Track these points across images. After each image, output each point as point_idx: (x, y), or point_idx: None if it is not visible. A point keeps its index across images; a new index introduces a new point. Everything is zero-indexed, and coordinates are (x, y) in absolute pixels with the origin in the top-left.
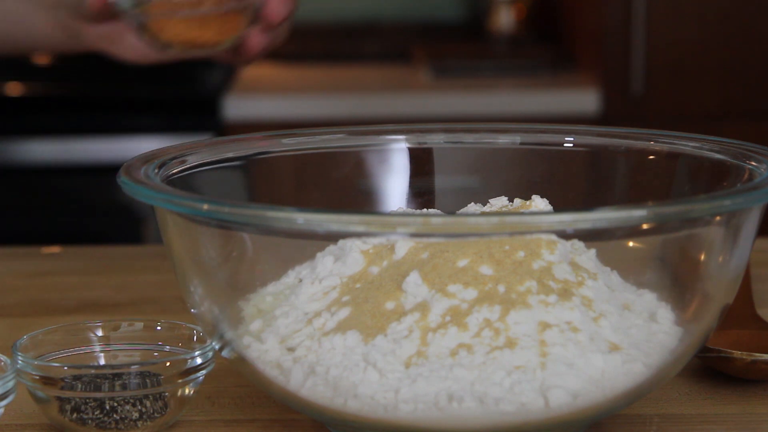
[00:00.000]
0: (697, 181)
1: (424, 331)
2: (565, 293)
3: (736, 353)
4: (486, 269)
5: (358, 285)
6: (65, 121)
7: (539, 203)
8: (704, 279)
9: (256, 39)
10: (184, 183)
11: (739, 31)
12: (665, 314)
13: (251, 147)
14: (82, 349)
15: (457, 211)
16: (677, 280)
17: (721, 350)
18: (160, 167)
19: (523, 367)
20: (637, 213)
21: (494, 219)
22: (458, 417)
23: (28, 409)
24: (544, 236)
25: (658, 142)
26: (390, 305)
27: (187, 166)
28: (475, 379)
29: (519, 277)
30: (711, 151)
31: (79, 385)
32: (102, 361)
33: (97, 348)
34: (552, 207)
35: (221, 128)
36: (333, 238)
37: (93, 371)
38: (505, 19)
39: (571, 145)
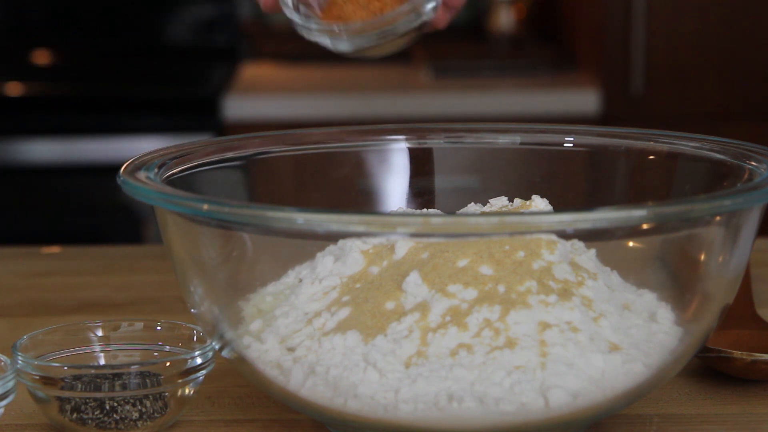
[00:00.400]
0: (697, 181)
1: (424, 331)
2: (565, 293)
3: (736, 353)
4: (486, 269)
5: (358, 285)
6: (65, 121)
7: (539, 203)
8: (704, 279)
9: (441, 16)
10: (184, 183)
11: (739, 31)
12: (665, 314)
13: (251, 147)
14: (82, 349)
15: (457, 211)
16: (677, 280)
17: (721, 350)
18: (160, 167)
19: (523, 367)
20: (637, 213)
21: (494, 219)
22: (458, 417)
23: (28, 409)
24: (544, 236)
25: (658, 142)
26: (390, 305)
27: (187, 166)
28: (475, 379)
29: (519, 277)
30: (711, 151)
31: (79, 385)
32: (102, 361)
33: (97, 348)
34: (552, 207)
35: (221, 128)
36: (333, 238)
37: (93, 371)
38: (505, 19)
39: (571, 145)
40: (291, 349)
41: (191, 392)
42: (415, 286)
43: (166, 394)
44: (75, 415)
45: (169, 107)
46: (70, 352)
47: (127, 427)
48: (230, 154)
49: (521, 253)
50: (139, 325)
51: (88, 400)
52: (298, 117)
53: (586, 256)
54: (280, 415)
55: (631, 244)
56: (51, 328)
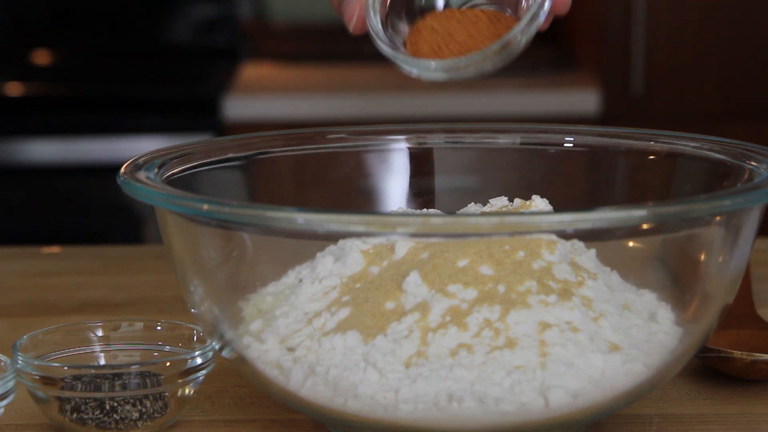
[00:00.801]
0: (697, 181)
1: (424, 331)
2: (565, 293)
3: (736, 353)
4: (486, 269)
5: (358, 285)
6: (65, 121)
7: (539, 203)
8: (704, 279)
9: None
10: (184, 183)
11: (739, 31)
12: (665, 314)
13: (251, 147)
14: (82, 349)
15: (457, 211)
16: (677, 280)
17: (721, 350)
18: (160, 167)
19: (523, 367)
20: (637, 213)
21: (494, 219)
22: (458, 417)
23: (28, 409)
24: (544, 236)
25: (658, 142)
26: (390, 305)
27: (187, 166)
28: (475, 379)
29: (519, 277)
30: (711, 151)
31: (79, 385)
32: (102, 361)
33: (97, 348)
34: (552, 207)
35: (221, 128)
36: (333, 238)
37: (93, 371)
38: None
39: (571, 145)
40: (291, 349)
41: (191, 392)
42: (415, 286)
43: (166, 394)
44: (75, 415)
45: (169, 107)
46: (70, 352)
47: (127, 427)
48: (230, 154)
49: (521, 253)
50: (139, 325)
51: (88, 400)
52: (298, 117)
53: (586, 256)
54: (280, 415)
55: (631, 244)
56: (51, 328)
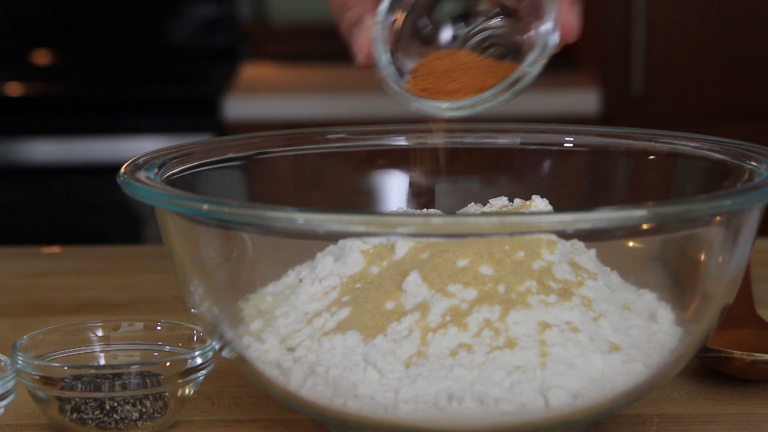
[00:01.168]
0: (697, 181)
1: (424, 331)
2: (565, 293)
3: (736, 353)
4: (486, 269)
5: (358, 285)
6: (65, 121)
7: (539, 203)
8: (704, 279)
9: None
10: (184, 183)
11: (739, 31)
12: (665, 314)
13: (251, 147)
14: (82, 349)
15: (457, 211)
16: (677, 280)
17: (721, 350)
18: (160, 167)
19: (523, 367)
20: (637, 213)
21: (494, 219)
22: (458, 417)
23: (28, 409)
24: (544, 236)
25: (658, 142)
26: (390, 305)
27: (187, 166)
28: (475, 379)
29: (519, 277)
30: (711, 151)
31: (79, 385)
32: (102, 361)
33: (97, 348)
34: (552, 207)
35: (221, 128)
36: (333, 238)
37: (93, 371)
38: None
39: (571, 145)
40: (291, 349)
41: (191, 392)
42: (415, 286)
43: (166, 394)
44: (75, 415)
45: (169, 107)
46: (70, 352)
47: (127, 427)
48: (230, 154)
49: (521, 253)
50: (139, 325)
51: (88, 400)
52: (298, 117)
53: (586, 256)
54: (280, 415)
55: (631, 244)
56: (51, 328)
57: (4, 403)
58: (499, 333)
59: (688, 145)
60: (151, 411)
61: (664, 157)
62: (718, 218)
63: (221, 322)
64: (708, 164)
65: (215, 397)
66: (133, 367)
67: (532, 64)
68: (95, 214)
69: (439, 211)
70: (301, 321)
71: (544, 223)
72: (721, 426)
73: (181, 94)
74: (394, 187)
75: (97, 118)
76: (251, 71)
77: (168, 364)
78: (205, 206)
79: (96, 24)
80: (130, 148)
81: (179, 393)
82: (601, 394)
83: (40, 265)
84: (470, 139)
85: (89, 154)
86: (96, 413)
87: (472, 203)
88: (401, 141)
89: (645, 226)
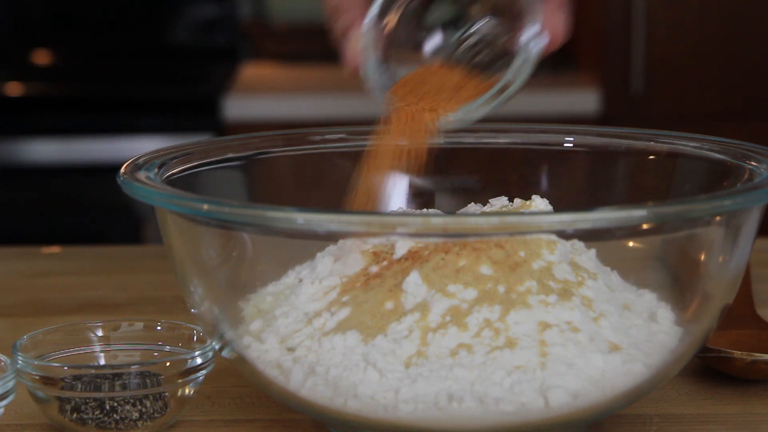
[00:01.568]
0: (697, 181)
1: (424, 331)
2: (565, 293)
3: (736, 353)
4: (486, 269)
5: (358, 285)
6: (65, 121)
7: (539, 203)
8: (704, 279)
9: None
10: (184, 183)
11: (739, 31)
12: (665, 314)
13: (251, 147)
14: (82, 349)
15: (457, 211)
16: (677, 280)
17: (721, 350)
18: (160, 167)
19: (523, 367)
20: (637, 213)
21: (494, 219)
22: (458, 417)
23: (28, 409)
24: (544, 236)
25: (658, 142)
26: (390, 305)
27: (187, 166)
28: (475, 379)
29: (519, 277)
30: (711, 151)
31: (79, 385)
32: (102, 361)
33: (97, 348)
34: (552, 207)
35: (221, 128)
36: (333, 238)
37: (93, 371)
38: None
39: (571, 145)
40: (291, 349)
41: (191, 392)
42: (415, 286)
43: (166, 394)
44: (75, 415)
45: (169, 107)
46: (70, 352)
47: (127, 427)
48: (230, 154)
49: (521, 253)
50: (139, 325)
51: (88, 400)
52: (298, 117)
53: (586, 256)
54: (280, 415)
55: (631, 244)
56: (51, 328)
57: (4, 403)
58: (499, 333)
59: (688, 145)
60: (151, 411)
61: (664, 157)
62: (718, 218)
63: (221, 322)
64: (708, 164)
65: (215, 397)
66: (133, 367)
67: (517, 73)
68: (95, 214)
69: (439, 211)
70: (301, 321)
71: (544, 223)
72: (721, 426)
73: (181, 94)
74: (394, 187)
75: (97, 118)
76: (251, 71)
77: (168, 364)
78: (205, 206)
79: (96, 24)
80: (130, 148)
81: (179, 393)
82: (601, 394)
83: (40, 265)
84: (470, 139)
85: (89, 154)
86: (96, 413)
87: (472, 203)
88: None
89: (645, 226)
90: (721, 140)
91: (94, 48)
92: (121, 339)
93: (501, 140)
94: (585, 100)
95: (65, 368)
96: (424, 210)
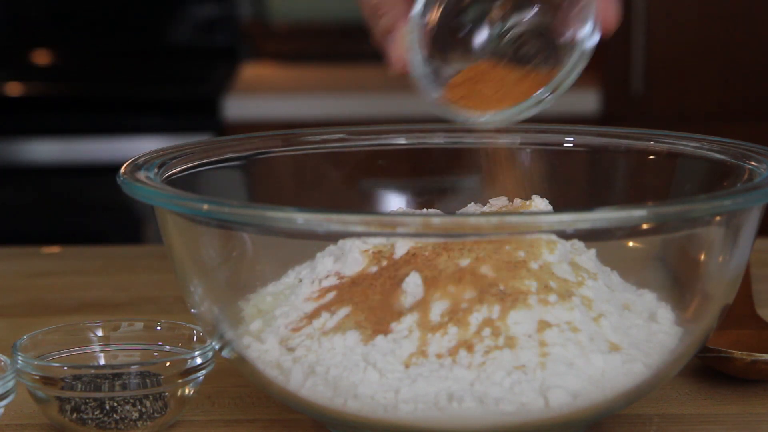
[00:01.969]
0: (697, 181)
1: (423, 331)
2: (565, 293)
3: (736, 353)
4: (486, 269)
5: (358, 285)
6: (65, 121)
7: (539, 203)
8: (704, 279)
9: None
10: (184, 183)
11: (739, 31)
12: (665, 314)
13: (251, 147)
14: (82, 349)
15: (457, 211)
16: (677, 280)
17: (721, 350)
18: (160, 167)
19: (523, 367)
20: (637, 213)
21: (494, 219)
22: (458, 417)
23: (28, 409)
24: (544, 236)
25: (658, 142)
26: (390, 305)
27: (187, 166)
28: (475, 379)
29: (519, 277)
30: (711, 151)
31: (79, 385)
32: (102, 361)
33: (97, 348)
34: (552, 207)
35: (221, 128)
36: (333, 238)
37: (93, 371)
38: None
39: (571, 145)
40: (291, 349)
41: (191, 392)
42: (415, 286)
43: (166, 394)
44: (75, 415)
45: (169, 107)
46: (70, 352)
47: (127, 427)
48: (230, 154)
49: (521, 253)
50: (139, 325)
51: (88, 400)
52: (298, 117)
53: (586, 256)
54: (280, 415)
55: (631, 244)
56: (51, 328)
57: (4, 403)
58: (499, 333)
59: (688, 145)
60: (151, 411)
61: (664, 157)
62: (718, 218)
63: (221, 322)
64: (708, 164)
65: (215, 397)
66: (133, 367)
67: (572, 70)
68: (95, 214)
69: (439, 211)
70: (301, 321)
71: (544, 223)
72: (721, 426)
73: (181, 94)
74: (394, 187)
75: (97, 118)
76: (251, 71)
77: (168, 364)
78: (205, 206)
79: (96, 24)
80: (130, 148)
81: (179, 393)
82: (601, 394)
83: (40, 265)
84: (470, 139)
85: (89, 154)
86: (96, 413)
87: (472, 203)
88: (401, 141)
89: (645, 226)
90: (721, 140)
91: (94, 48)
92: (121, 339)
93: (501, 140)
94: (585, 100)
95: (65, 368)
96: (424, 210)
